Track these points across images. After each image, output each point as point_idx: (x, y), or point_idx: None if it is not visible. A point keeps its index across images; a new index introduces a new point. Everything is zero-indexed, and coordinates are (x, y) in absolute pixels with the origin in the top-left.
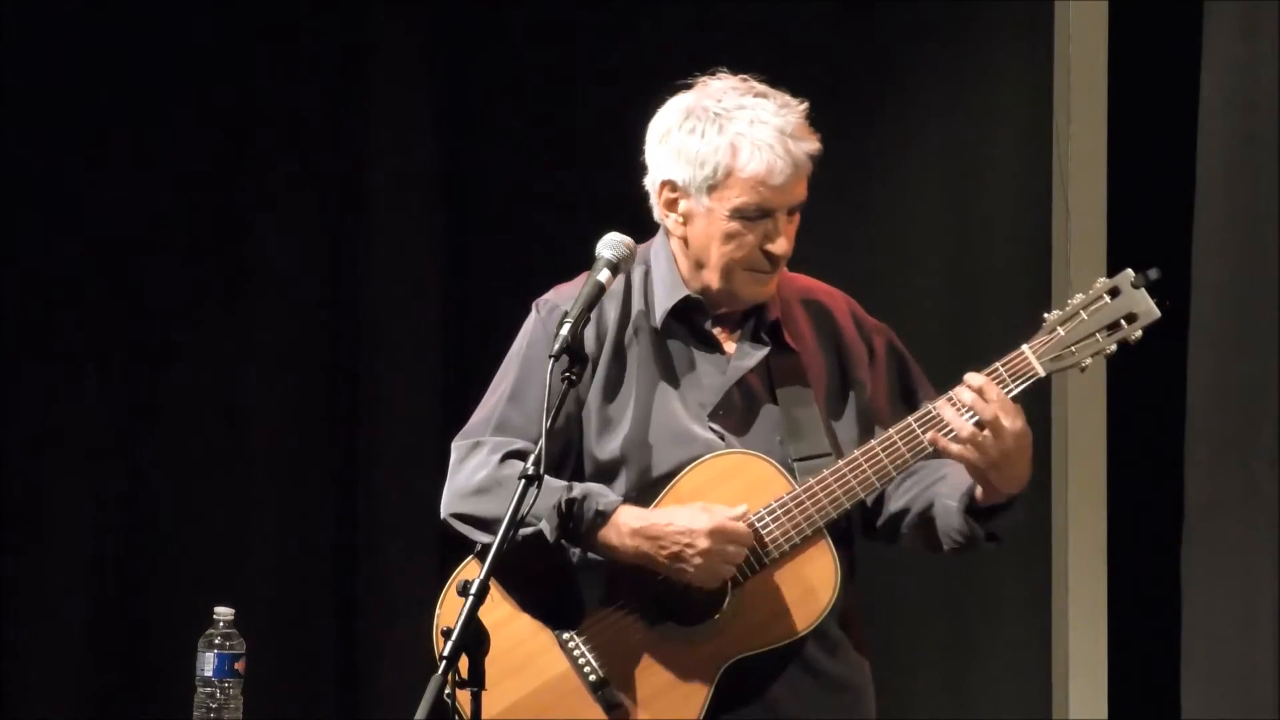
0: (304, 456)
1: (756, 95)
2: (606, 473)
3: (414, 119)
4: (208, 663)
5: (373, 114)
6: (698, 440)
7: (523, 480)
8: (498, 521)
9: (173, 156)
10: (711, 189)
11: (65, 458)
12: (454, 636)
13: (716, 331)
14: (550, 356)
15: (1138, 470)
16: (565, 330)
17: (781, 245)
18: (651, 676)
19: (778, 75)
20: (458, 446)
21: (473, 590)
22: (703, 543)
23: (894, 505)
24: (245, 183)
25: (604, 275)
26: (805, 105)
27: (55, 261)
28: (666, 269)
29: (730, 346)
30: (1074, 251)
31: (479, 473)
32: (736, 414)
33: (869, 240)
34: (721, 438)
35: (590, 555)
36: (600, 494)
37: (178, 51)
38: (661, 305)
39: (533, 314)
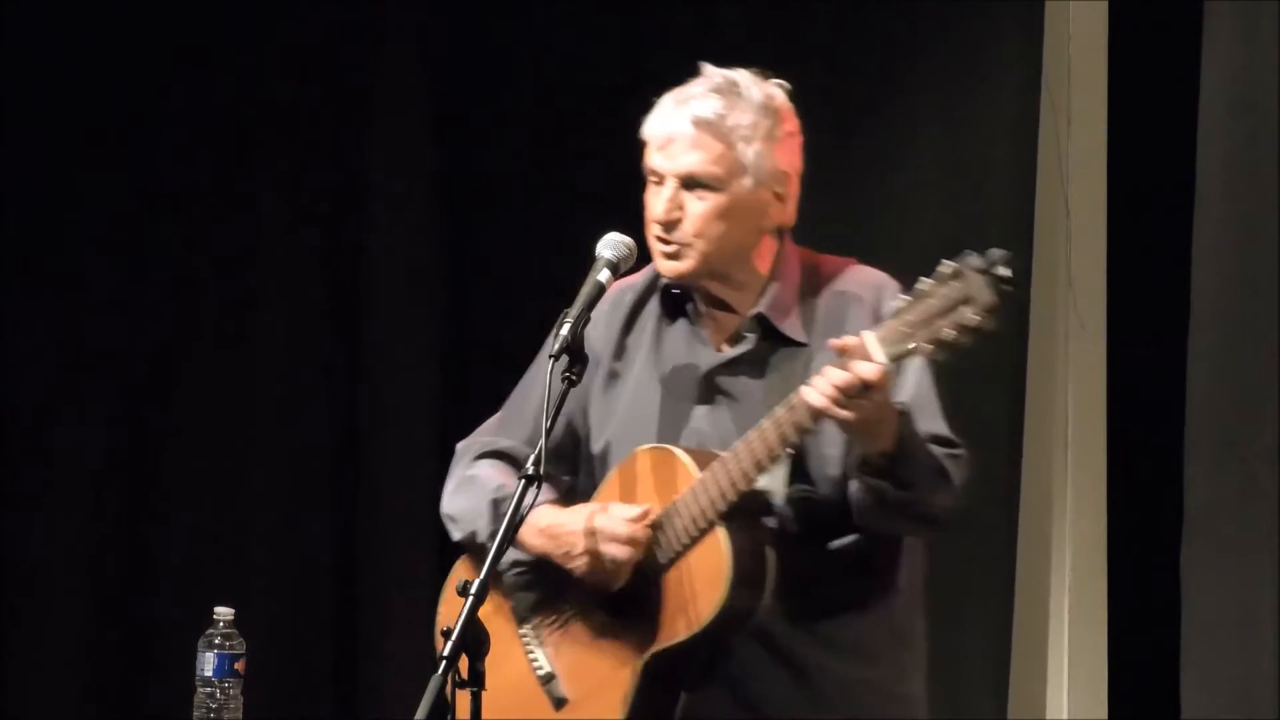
0: (304, 457)
1: (698, 77)
2: (598, 468)
3: (414, 119)
4: (208, 663)
5: (373, 114)
6: (674, 432)
7: (523, 480)
8: (465, 517)
9: (172, 156)
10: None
11: (66, 458)
12: (454, 636)
13: (710, 322)
14: (550, 356)
15: (1138, 470)
16: (565, 330)
17: (655, 209)
18: (589, 671)
19: (776, 75)
20: (458, 448)
21: (472, 590)
22: (581, 543)
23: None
24: (245, 183)
25: (604, 275)
26: (723, 77)
27: (56, 260)
28: None
29: (721, 338)
30: (1074, 251)
31: (458, 472)
32: (722, 402)
33: (867, 239)
34: (712, 426)
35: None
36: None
37: (178, 51)
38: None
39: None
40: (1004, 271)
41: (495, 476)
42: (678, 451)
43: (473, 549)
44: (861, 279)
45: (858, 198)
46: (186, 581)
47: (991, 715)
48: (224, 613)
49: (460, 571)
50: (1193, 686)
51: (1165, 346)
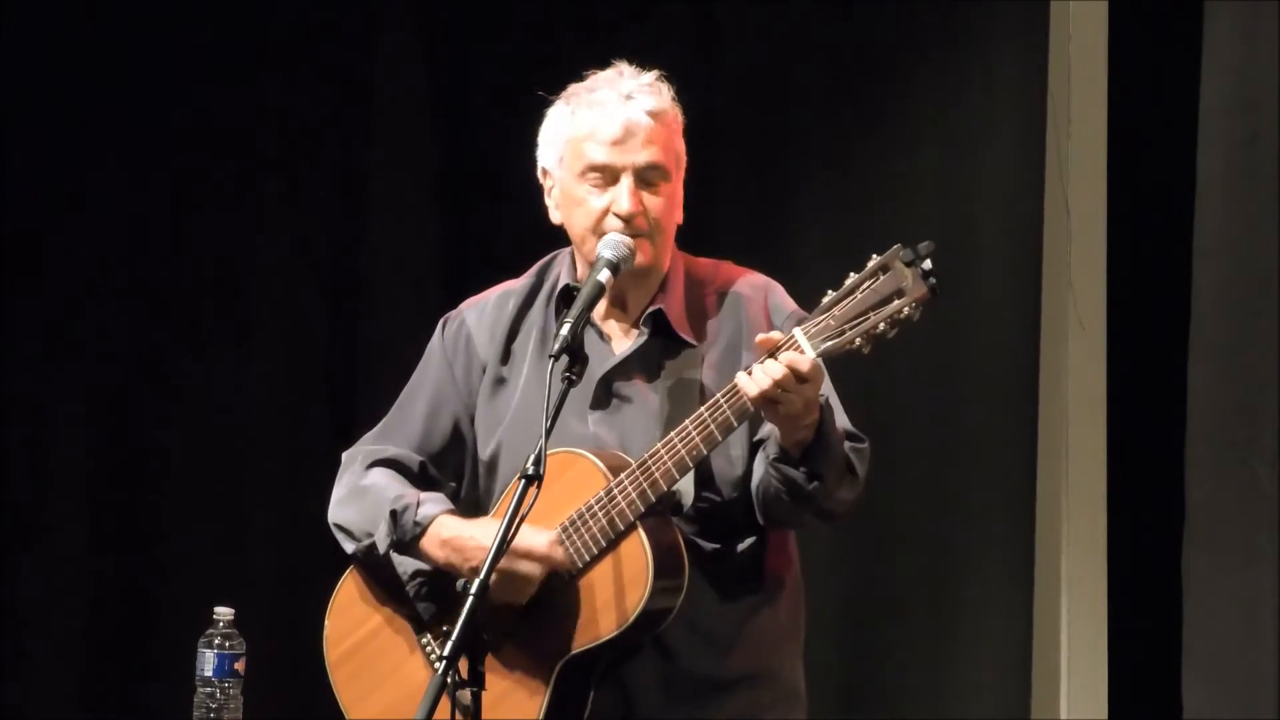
0: (304, 457)
1: (617, 74)
2: (487, 473)
3: (414, 119)
4: (208, 663)
5: (373, 114)
6: (568, 434)
7: (523, 480)
8: (359, 528)
9: (173, 156)
10: (562, 160)
11: (66, 457)
12: (454, 637)
13: (607, 322)
14: (550, 356)
15: (1138, 470)
16: (565, 330)
17: (622, 205)
18: (498, 678)
19: (778, 76)
20: (344, 456)
21: (473, 590)
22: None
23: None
24: (245, 183)
25: (604, 275)
26: (656, 73)
27: (55, 260)
28: (566, 266)
29: (618, 336)
30: (1074, 251)
31: (346, 480)
32: (616, 405)
33: (866, 240)
34: (608, 429)
35: (419, 563)
36: (424, 503)
37: (178, 52)
38: (551, 298)
39: (439, 328)
40: (928, 265)
41: (392, 485)
42: (587, 454)
43: (369, 560)
44: (749, 280)
45: (859, 198)
46: (186, 581)
47: (998, 715)
48: (224, 613)
49: (350, 584)
50: (1193, 686)
51: (1165, 346)
